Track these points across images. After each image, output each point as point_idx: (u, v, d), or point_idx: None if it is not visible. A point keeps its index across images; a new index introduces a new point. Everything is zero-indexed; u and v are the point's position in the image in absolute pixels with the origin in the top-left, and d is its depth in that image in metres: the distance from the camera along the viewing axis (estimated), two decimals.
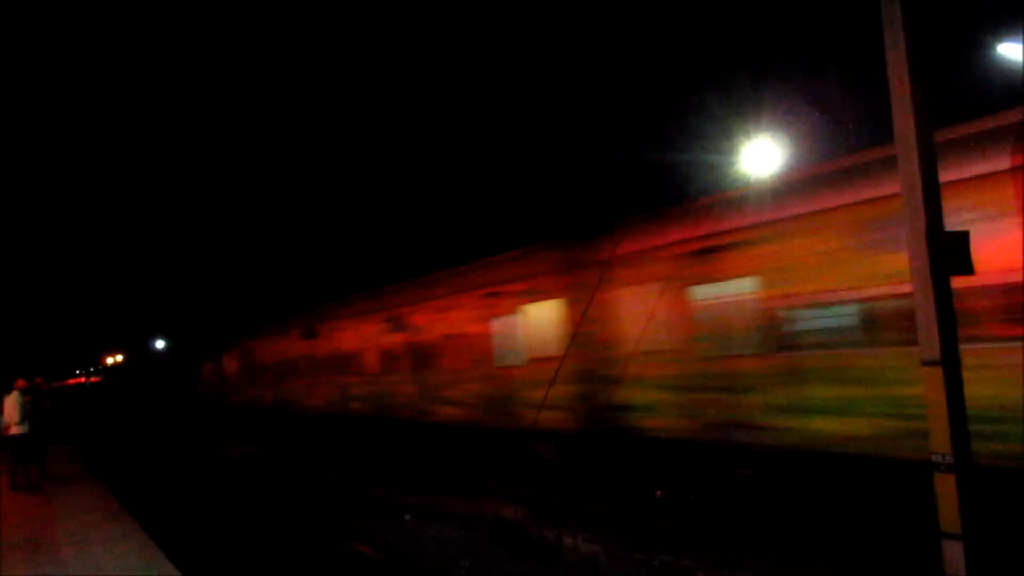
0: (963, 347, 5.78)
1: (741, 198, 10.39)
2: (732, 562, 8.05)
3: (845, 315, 8.57)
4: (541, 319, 13.51)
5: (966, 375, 5.79)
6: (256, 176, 58.72)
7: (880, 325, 8.21)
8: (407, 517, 12.08)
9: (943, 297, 5.84)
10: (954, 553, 5.74)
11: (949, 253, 5.86)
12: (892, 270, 7.84)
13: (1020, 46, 13.64)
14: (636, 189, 21.76)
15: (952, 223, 6.10)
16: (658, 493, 10.75)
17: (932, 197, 5.95)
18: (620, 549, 8.82)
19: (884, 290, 8.07)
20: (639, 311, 11.22)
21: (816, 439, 8.71)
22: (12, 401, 15.10)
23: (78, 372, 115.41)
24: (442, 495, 13.00)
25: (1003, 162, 7.30)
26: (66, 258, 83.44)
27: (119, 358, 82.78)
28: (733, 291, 9.93)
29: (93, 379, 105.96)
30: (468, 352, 15.67)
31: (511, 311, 14.35)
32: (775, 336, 9.31)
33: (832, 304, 8.68)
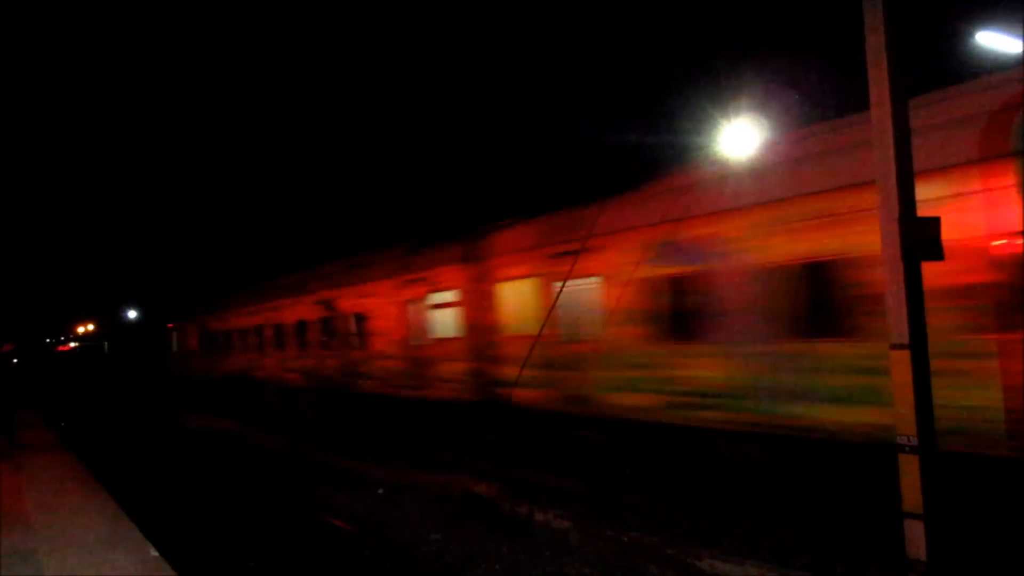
0: None
1: None
2: (699, 538, 8.14)
3: None
4: None
5: None
6: (231, 151, 57.62)
7: None
8: (380, 491, 12.12)
9: (913, 281, 5.91)
10: (915, 532, 5.88)
11: (920, 238, 5.92)
12: None
13: (998, 35, 13.71)
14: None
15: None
16: (627, 472, 10.88)
17: (905, 181, 6.00)
18: (591, 525, 8.90)
19: None
20: None
21: None
22: None
23: (48, 341, 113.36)
24: (415, 470, 13.05)
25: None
26: (38, 227, 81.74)
27: (90, 327, 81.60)
28: None
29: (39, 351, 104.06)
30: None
31: None
32: None
33: None
